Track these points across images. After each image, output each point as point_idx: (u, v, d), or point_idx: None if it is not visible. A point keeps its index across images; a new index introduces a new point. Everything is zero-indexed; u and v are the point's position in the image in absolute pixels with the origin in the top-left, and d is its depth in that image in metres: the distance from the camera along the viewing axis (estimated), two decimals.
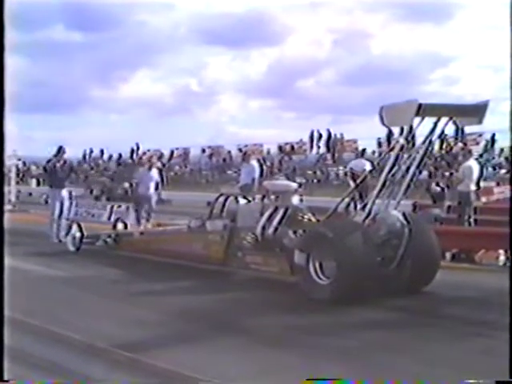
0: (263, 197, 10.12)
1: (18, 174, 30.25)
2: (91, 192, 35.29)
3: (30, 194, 34.47)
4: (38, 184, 43.30)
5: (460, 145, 31.13)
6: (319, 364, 5.59)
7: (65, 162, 14.85)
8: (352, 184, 10.36)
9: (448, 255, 11.20)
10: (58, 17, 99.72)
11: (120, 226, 13.45)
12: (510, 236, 7.83)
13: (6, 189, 27.58)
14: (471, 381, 4.77)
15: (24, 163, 44.07)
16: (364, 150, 19.42)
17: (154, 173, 16.33)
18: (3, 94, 4.16)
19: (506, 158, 27.78)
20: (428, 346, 6.15)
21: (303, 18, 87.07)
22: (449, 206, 14.84)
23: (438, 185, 15.91)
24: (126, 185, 31.46)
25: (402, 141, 8.71)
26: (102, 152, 54.51)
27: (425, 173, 23.20)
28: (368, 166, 9.00)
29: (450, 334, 6.56)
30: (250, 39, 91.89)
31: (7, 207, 24.49)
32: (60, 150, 14.66)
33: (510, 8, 4.90)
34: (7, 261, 11.22)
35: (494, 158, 29.81)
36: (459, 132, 30.70)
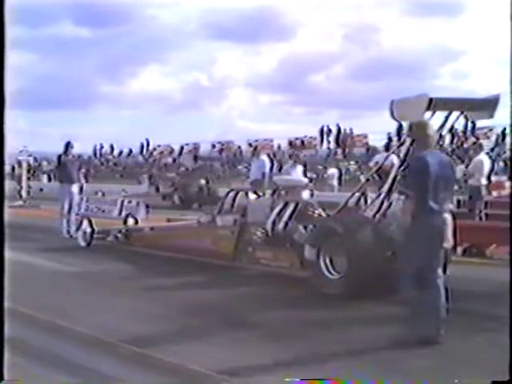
0: (273, 192, 10.10)
1: (28, 170, 30.29)
2: (157, 189, 30.91)
3: (41, 190, 34.62)
4: (49, 180, 43.47)
5: (471, 139, 31.05)
6: (330, 359, 5.59)
7: (74, 156, 14.90)
8: (378, 179, 10.27)
9: (459, 250, 11.15)
10: (67, 12, 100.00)
11: (131, 221, 13.48)
12: (510, 233, 7.82)
13: (16, 185, 27.76)
14: (471, 381, 4.77)
15: (35, 159, 44.22)
16: (389, 143, 19.25)
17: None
18: (3, 93, 4.17)
19: None
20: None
21: (313, 13, 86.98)
22: (459, 201, 14.78)
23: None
24: (202, 182, 26.67)
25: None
26: (111, 147, 54.66)
27: None
28: (396, 161, 8.91)
29: (461, 328, 6.53)
30: (260, 34, 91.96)
31: (18, 203, 24.65)
32: (68, 145, 14.71)
33: (510, 8, 4.89)
34: (19, 256, 11.33)
35: (505, 152, 29.65)
36: (470, 126, 30.65)
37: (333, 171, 31.47)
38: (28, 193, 27.14)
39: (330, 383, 4.73)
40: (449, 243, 6.22)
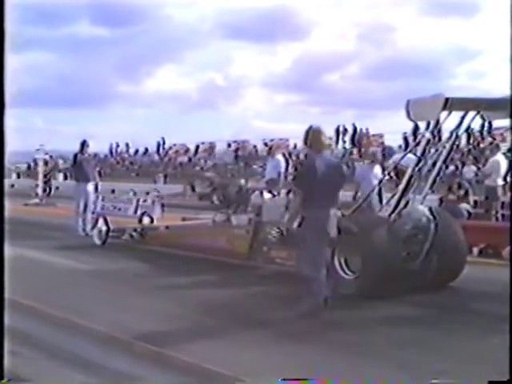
0: (289, 191, 10.09)
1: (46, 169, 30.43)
2: (193, 189, 30.23)
3: (57, 188, 34.73)
4: (65, 178, 43.64)
5: (487, 139, 30.86)
6: (344, 359, 5.58)
7: (90, 155, 14.97)
8: (396, 179, 10.24)
9: (475, 250, 11.11)
10: (84, 12, 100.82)
11: (146, 219, 13.53)
12: (510, 233, 7.79)
13: (32, 183, 27.93)
14: (471, 381, 4.75)
15: (51, 157, 44.41)
16: (408, 143, 19.12)
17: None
18: (3, 93, 4.19)
19: None
20: (454, 341, 6.11)
21: (328, 12, 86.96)
22: (475, 201, 14.72)
23: (460, 187, 15.65)
24: (242, 181, 25.51)
25: (428, 135, 8.65)
26: (127, 146, 54.79)
27: (451, 167, 23.01)
28: (412, 161, 8.88)
29: (477, 329, 6.51)
30: (275, 33, 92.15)
31: (34, 201, 24.78)
32: (84, 144, 14.78)
33: (510, 8, 4.86)
34: (35, 254, 11.38)
35: None
36: (486, 126, 30.47)
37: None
38: (44, 190, 27.16)
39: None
40: (334, 234, 7.24)
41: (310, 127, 7.36)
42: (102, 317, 6.85)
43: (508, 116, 8.36)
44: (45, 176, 32.45)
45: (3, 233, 4.22)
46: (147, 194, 21.74)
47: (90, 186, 14.58)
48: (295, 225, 7.32)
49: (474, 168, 22.64)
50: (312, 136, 7.29)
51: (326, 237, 7.18)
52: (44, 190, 30.74)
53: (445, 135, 8.84)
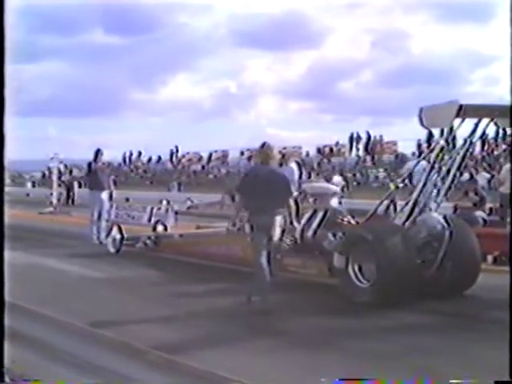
0: (302, 199, 10.09)
1: (59, 177, 30.55)
2: (233, 199, 29.44)
3: (67, 197, 34.85)
4: (80, 186, 43.79)
5: (502, 146, 30.73)
6: (358, 367, 5.56)
7: (104, 164, 15.03)
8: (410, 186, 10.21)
9: (490, 258, 11.04)
10: (98, 20, 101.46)
11: (160, 228, 13.55)
12: (510, 237, 7.74)
13: (47, 191, 28.02)
14: (471, 381, 4.71)
15: (66, 166, 44.60)
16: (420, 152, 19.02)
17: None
18: (3, 95, 4.21)
19: None
20: (468, 350, 6.08)
21: (342, 19, 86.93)
22: (491, 208, 14.63)
23: (476, 193, 15.60)
24: None
25: (442, 142, 8.63)
26: (139, 154, 54.95)
27: (466, 175, 22.94)
28: (426, 168, 8.85)
29: (492, 338, 6.46)
30: (289, 41, 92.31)
31: (49, 209, 24.86)
32: (98, 152, 14.85)
33: (510, 8, 4.83)
34: (50, 262, 11.42)
35: None
36: (501, 133, 30.33)
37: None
38: (58, 199, 27.16)
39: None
40: (276, 237, 7.94)
41: (264, 144, 8.33)
42: (115, 324, 6.88)
43: None
44: (67, 184, 32.66)
45: (3, 236, 4.24)
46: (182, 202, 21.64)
47: (105, 195, 14.62)
48: (247, 229, 8.07)
49: (487, 175, 22.56)
50: (263, 151, 8.26)
51: (267, 240, 7.88)
52: (67, 198, 30.90)
53: (459, 142, 8.80)
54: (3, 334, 4.25)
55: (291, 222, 8.87)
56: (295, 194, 9.26)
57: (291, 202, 8.44)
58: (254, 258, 7.97)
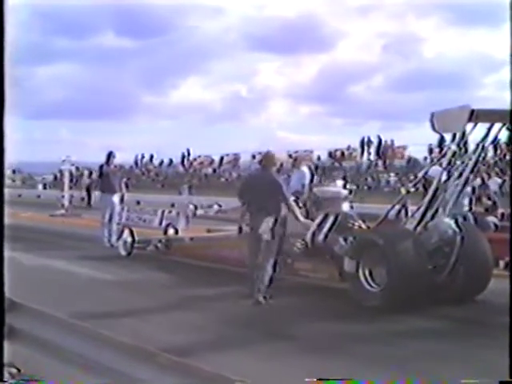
0: (313, 203, 10.08)
1: (71, 180, 30.67)
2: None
3: (83, 199, 34.98)
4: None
5: None
6: (367, 372, 5.55)
7: (116, 166, 15.07)
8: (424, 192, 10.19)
9: (502, 263, 10.98)
10: (109, 23, 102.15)
11: (171, 231, 13.55)
12: (510, 239, 7.71)
13: (58, 193, 28.09)
14: (476, 381, 4.69)
15: (77, 168, 44.77)
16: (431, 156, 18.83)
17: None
18: (3, 96, 4.24)
19: None
20: (480, 355, 6.06)
21: (354, 23, 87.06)
22: (502, 214, 14.57)
23: (489, 198, 15.53)
24: (317, 191, 22.69)
25: (454, 147, 8.60)
26: (151, 157, 55.10)
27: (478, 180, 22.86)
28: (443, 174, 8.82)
29: (502, 344, 6.43)
30: (300, 44, 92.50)
31: (60, 211, 24.94)
32: (110, 155, 14.88)
33: (510, 8, 4.81)
34: (61, 263, 11.45)
35: None
36: None
37: None
38: (70, 202, 27.20)
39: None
40: (267, 238, 8.47)
41: (267, 152, 9.30)
42: (125, 326, 6.88)
43: None
44: (87, 186, 32.77)
45: (3, 236, 4.26)
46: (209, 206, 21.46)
47: (116, 197, 14.65)
48: (248, 230, 8.86)
49: (498, 180, 22.44)
50: (265, 157, 9.14)
51: (259, 240, 8.52)
52: (88, 200, 30.96)
53: (471, 147, 8.77)
54: (3, 333, 4.26)
55: (297, 218, 9.11)
56: (290, 196, 9.36)
57: (291, 202, 9.03)
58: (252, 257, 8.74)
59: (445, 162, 8.55)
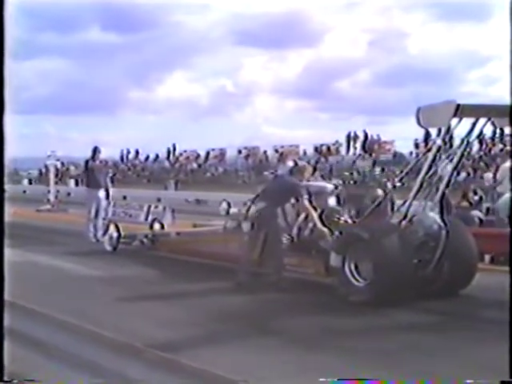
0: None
1: (56, 175, 30.51)
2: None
3: (69, 194, 34.89)
4: (77, 184, 43.82)
5: (499, 146, 30.77)
6: (354, 366, 5.57)
7: (101, 162, 15.03)
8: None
9: (487, 258, 11.05)
10: (95, 18, 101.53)
11: (157, 226, 13.54)
12: (510, 237, 7.76)
13: (44, 189, 27.99)
14: (471, 381, 4.72)
15: (62, 164, 44.56)
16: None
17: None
18: (3, 95, 4.22)
19: None
20: (464, 349, 6.09)
21: (340, 18, 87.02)
22: (488, 208, 14.65)
23: (475, 193, 15.60)
24: (380, 192, 20.09)
25: (439, 142, 8.63)
26: (137, 152, 54.96)
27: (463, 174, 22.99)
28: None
29: (488, 337, 6.47)
30: (286, 40, 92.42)
31: (46, 207, 24.83)
32: (95, 150, 14.83)
33: (510, 8, 4.84)
34: (47, 259, 11.41)
35: None
36: (498, 133, 30.36)
37: None
38: (56, 197, 27.09)
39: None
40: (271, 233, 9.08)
41: (304, 165, 10.78)
42: (112, 323, 6.87)
43: None
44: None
45: (3, 235, 4.24)
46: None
47: (102, 193, 14.60)
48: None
49: (490, 175, 22.57)
50: (299, 169, 10.16)
51: (260, 237, 9.28)
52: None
53: (456, 142, 8.81)
54: (3, 333, 4.25)
55: (315, 225, 9.18)
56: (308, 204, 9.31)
57: (307, 205, 9.18)
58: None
59: (430, 156, 8.58)
